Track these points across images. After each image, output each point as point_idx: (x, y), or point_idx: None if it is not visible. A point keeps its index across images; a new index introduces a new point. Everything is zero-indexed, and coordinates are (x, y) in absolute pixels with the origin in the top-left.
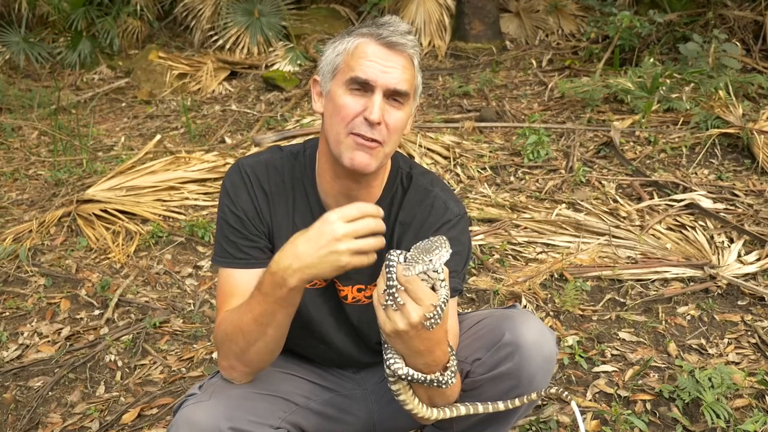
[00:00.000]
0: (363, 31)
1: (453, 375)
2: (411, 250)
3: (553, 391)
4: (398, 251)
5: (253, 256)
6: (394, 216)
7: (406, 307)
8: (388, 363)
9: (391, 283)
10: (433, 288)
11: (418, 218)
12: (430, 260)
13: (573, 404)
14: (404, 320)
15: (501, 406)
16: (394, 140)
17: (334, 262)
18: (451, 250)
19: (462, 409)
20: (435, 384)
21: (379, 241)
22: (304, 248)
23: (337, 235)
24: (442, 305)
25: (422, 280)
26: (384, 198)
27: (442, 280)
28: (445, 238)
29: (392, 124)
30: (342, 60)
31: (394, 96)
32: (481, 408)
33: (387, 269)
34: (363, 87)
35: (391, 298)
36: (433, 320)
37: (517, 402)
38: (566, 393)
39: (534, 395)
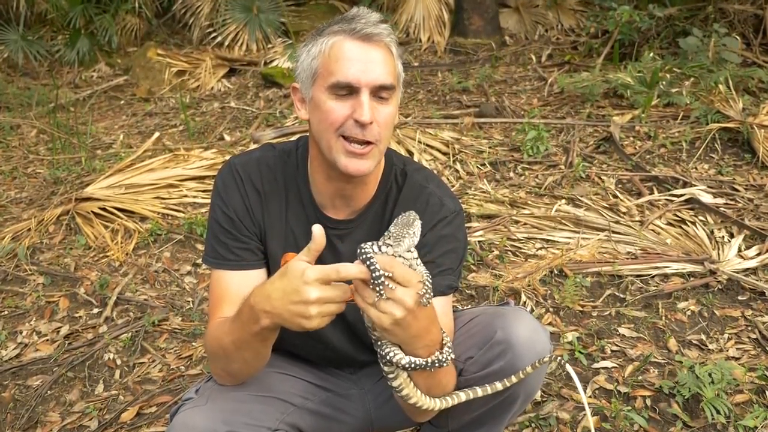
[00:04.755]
0: (334, 29)
1: (450, 350)
2: (384, 237)
3: (546, 359)
4: (368, 244)
5: (244, 257)
6: (389, 214)
7: (397, 294)
8: (388, 357)
9: (377, 274)
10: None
11: None
12: (413, 232)
13: (568, 367)
14: (400, 307)
15: (499, 386)
16: (386, 136)
17: (300, 321)
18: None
19: (462, 396)
20: (437, 365)
21: (342, 307)
22: (276, 296)
23: (309, 299)
24: (428, 278)
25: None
26: (379, 196)
27: (416, 258)
28: (414, 212)
29: (383, 120)
30: (319, 64)
31: (380, 91)
32: (480, 391)
33: (368, 264)
34: (347, 89)
35: (380, 287)
36: (426, 295)
37: (513, 379)
38: (560, 358)
39: (529, 368)
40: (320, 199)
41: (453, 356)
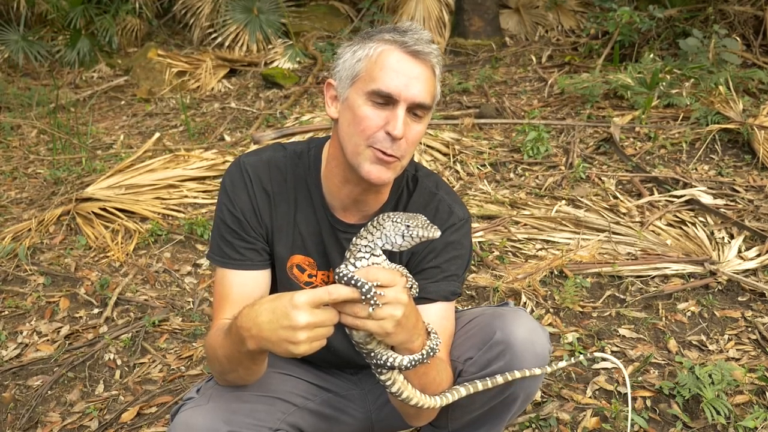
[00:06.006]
0: (386, 38)
1: (436, 334)
2: (352, 251)
3: (563, 364)
4: (342, 266)
5: (249, 257)
6: None
7: (390, 295)
8: (388, 363)
9: (366, 287)
10: None
11: None
12: (410, 231)
13: (602, 354)
14: (398, 306)
15: (499, 379)
16: (410, 153)
17: (287, 347)
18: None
19: (462, 390)
20: (432, 353)
21: (332, 331)
22: (264, 319)
23: (297, 324)
24: (403, 270)
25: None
26: (390, 201)
27: (385, 260)
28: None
29: (412, 137)
30: (363, 67)
31: (416, 109)
32: (480, 385)
33: (353, 283)
34: (385, 99)
35: (374, 298)
36: (414, 285)
37: (517, 374)
38: (589, 355)
39: (538, 370)
40: (332, 201)
41: (441, 340)
